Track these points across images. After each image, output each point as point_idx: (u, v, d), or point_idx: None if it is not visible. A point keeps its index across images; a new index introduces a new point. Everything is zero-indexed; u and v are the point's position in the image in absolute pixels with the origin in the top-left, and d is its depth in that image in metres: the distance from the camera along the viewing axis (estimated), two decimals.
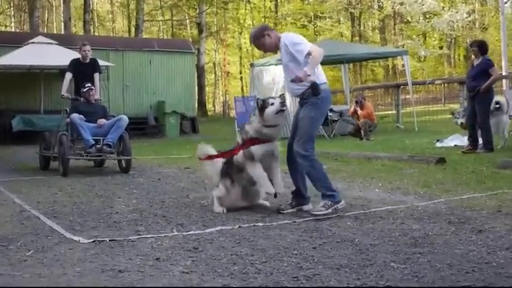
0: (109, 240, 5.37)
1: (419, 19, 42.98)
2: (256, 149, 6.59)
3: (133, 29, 38.23)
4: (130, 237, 5.48)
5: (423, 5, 40.63)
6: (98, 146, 10.53)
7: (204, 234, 5.61)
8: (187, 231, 5.72)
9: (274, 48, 6.69)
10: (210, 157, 7.29)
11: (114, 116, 11.32)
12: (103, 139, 10.62)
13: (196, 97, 29.74)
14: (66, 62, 12.41)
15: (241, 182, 6.80)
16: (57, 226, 6.04)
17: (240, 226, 5.89)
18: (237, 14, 46.04)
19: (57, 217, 6.59)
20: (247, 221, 6.18)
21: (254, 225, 5.94)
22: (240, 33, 47.23)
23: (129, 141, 11.01)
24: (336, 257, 4.68)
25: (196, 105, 28.98)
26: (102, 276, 4.24)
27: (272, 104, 6.46)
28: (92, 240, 5.36)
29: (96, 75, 11.74)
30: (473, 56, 12.09)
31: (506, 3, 39.06)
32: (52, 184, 9.46)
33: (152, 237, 5.50)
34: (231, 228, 5.83)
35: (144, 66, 23.08)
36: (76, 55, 13.07)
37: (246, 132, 6.75)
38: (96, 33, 44.01)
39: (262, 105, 6.50)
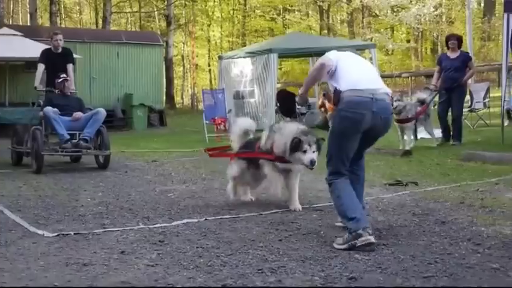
0: (74, 233, 5.34)
1: (387, 13, 43.21)
2: (271, 167, 6.38)
3: (100, 21, 37.85)
4: (95, 231, 5.45)
5: None
6: (74, 141, 9.97)
7: (170, 227, 5.61)
8: (153, 224, 5.71)
9: None
10: (219, 154, 7.69)
11: (91, 109, 10.75)
12: (79, 133, 10.07)
13: (164, 90, 29.51)
14: (32, 54, 12.21)
15: (255, 173, 6.68)
16: (21, 220, 5.98)
17: (206, 219, 5.90)
18: (206, 6, 45.80)
19: (21, 211, 6.53)
20: (213, 213, 6.20)
21: (220, 218, 5.96)
22: (209, 26, 47.00)
23: (107, 135, 10.45)
24: (302, 249, 4.71)
25: (164, 98, 28.78)
26: (66, 270, 4.22)
27: (305, 151, 5.94)
28: (56, 233, 5.32)
29: (69, 66, 11.12)
30: (447, 49, 12.27)
31: None
32: (17, 177, 9.36)
33: (118, 230, 5.49)
34: (197, 221, 5.83)
35: (111, 58, 22.85)
36: (42, 47, 12.87)
37: (272, 143, 6.32)
38: (63, 25, 43.48)
39: (297, 146, 5.97)
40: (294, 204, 6.34)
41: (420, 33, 47.35)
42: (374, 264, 4.24)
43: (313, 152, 5.96)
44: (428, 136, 11.99)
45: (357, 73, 5.17)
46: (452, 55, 11.93)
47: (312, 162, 5.91)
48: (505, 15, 11.01)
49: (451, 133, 11.88)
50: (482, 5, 45.99)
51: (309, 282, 3.86)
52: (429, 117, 11.82)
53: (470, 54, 12.59)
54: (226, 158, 7.34)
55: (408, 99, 12.35)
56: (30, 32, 21.50)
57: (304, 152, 5.94)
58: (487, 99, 16.55)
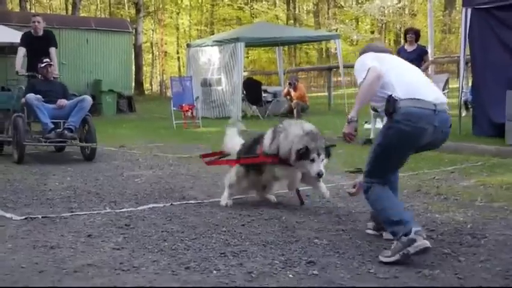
0: (42, 217, 5.34)
1: (352, 4, 43.54)
2: (279, 171, 5.68)
3: (70, 7, 37.43)
4: (62, 214, 5.46)
5: None
6: (58, 130, 9.09)
7: (136, 211, 5.63)
8: (120, 209, 5.73)
9: None
10: (218, 162, 6.49)
11: (76, 96, 9.99)
12: (64, 122, 9.22)
13: (133, 76, 29.44)
14: (1, 39, 11.89)
15: (256, 178, 5.93)
16: None
17: (172, 204, 5.94)
18: None
19: None
20: (179, 198, 6.24)
21: (186, 203, 6.00)
22: (178, 14, 46.77)
23: (93, 124, 9.56)
24: (263, 233, 4.78)
25: (133, 84, 28.70)
26: (33, 253, 4.22)
27: (313, 160, 5.31)
28: (24, 217, 5.31)
29: (52, 50, 10.27)
30: (405, 42, 12.42)
31: None
32: None
33: (85, 214, 5.50)
34: (163, 205, 5.87)
35: (81, 44, 22.61)
36: (11, 32, 12.67)
37: (277, 146, 5.57)
38: (33, 10, 42.87)
39: (304, 154, 5.30)
40: (324, 193, 5.72)
41: (384, 25, 47.71)
42: (332, 249, 4.32)
43: (322, 160, 5.34)
44: None
45: (411, 78, 4.42)
46: (409, 48, 12.06)
47: (320, 174, 5.31)
48: (464, 9, 11.17)
49: None
50: None
51: (269, 266, 3.92)
52: None
53: (426, 48, 12.76)
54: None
55: None
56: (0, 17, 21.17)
57: (312, 161, 5.30)
58: (446, 90, 16.76)
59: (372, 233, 4.76)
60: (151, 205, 5.87)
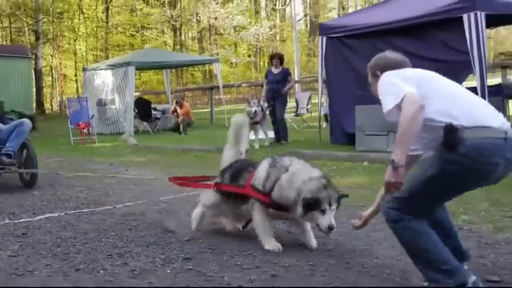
0: None
1: (230, 31, 44.07)
2: (269, 211, 4.37)
3: None
4: None
5: (233, 20, 41.76)
6: None
7: (33, 221, 5.51)
8: (18, 219, 5.59)
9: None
10: (198, 185, 5.14)
11: (12, 120, 8.57)
12: (1, 147, 7.70)
13: (34, 97, 28.45)
14: None
15: (237, 205, 4.61)
16: None
17: (66, 213, 5.85)
18: (72, 23, 44.33)
19: None
20: (73, 208, 6.14)
21: (79, 212, 5.93)
22: (75, 40, 45.54)
23: (33, 149, 8.06)
24: (147, 236, 4.81)
25: (34, 105, 27.72)
26: None
27: (324, 211, 3.97)
28: None
29: None
30: (271, 65, 12.76)
31: (299, 20, 41.21)
32: None
33: None
34: (58, 215, 5.77)
35: None
36: None
37: (272, 186, 4.24)
38: None
39: (311, 204, 3.97)
40: (312, 242, 4.40)
41: (258, 49, 48.65)
42: (206, 246, 4.41)
43: (333, 211, 4.05)
44: (263, 136, 12.37)
45: (467, 99, 3.15)
46: (275, 71, 12.45)
47: (331, 228, 3.97)
48: (320, 38, 11.65)
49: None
50: (309, 27, 48.04)
51: (151, 264, 3.98)
52: (265, 120, 12.31)
53: (289, 70, 13.22)
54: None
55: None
56: None
57: (323, 211, 4.00)
58: (309, 106, 17.39)
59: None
60: (47, 215, 5.76)
